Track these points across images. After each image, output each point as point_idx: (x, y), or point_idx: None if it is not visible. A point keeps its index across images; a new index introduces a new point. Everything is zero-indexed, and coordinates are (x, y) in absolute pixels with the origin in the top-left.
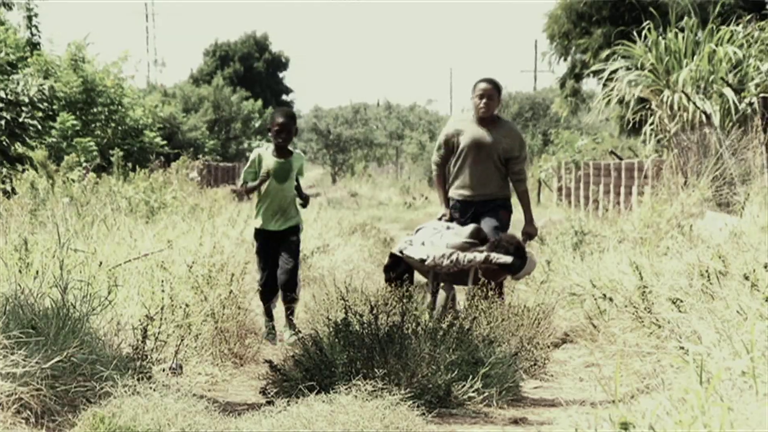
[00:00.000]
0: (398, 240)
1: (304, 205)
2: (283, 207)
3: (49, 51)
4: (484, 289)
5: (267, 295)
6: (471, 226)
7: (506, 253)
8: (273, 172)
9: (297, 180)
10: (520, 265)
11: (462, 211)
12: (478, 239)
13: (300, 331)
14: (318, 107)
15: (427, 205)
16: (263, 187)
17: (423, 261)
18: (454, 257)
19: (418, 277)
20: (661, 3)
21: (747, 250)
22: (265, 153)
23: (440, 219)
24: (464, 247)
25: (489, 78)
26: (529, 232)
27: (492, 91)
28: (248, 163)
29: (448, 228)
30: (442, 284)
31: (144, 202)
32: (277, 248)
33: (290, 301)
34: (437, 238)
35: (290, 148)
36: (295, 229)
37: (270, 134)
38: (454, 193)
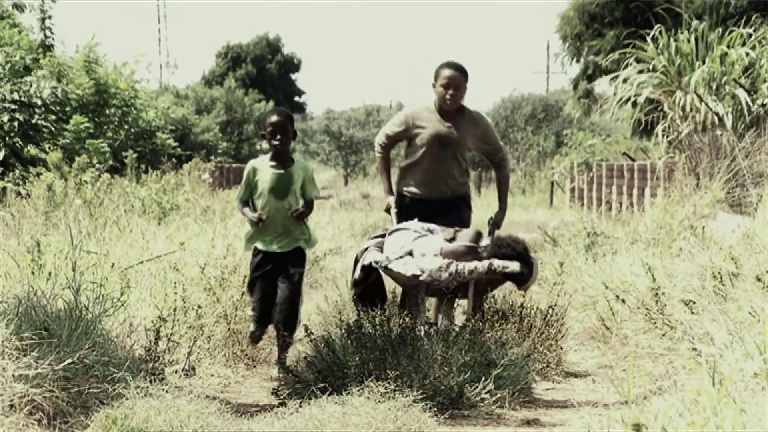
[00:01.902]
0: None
1: (304, 213)
2: (286, 226)
3: (62, 53)
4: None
5: (258, 333)
6: (472, 230)
7: (510, 258)
8: (270, 186)
9: (306, 194)
10: (528, 273)
11: (413, 211)
12: (478, 244)
13: (291, 370)
14: (330, 109)
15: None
16: (259, 203)
17: (416, 276)
18: (453, 269)
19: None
20: (673, 4)
21: (759, 252)
22: (260, 165)
23: (387, 210)
24: (462, 254)
25: (455, 63)
26: (498, 221)
27: (460, 79)
28: (243, 180)
29: (430, 230)
30: (420, 297)
31: (156, 203)
32: (276, 273)
33: (284, 345)
34: (424, 245)
35: (294, 157)
36: (300, 255)
37: (265, 139)
38: (405, 189)
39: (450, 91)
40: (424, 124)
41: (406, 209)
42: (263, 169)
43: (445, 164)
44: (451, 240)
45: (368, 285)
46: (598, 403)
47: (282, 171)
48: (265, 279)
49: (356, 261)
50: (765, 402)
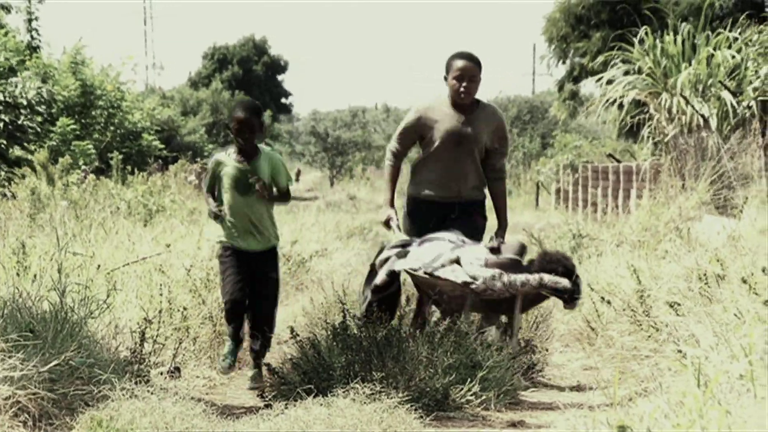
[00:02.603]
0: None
1: (273, 197)
2: (255, 224)
3: (48, 55)
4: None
5: (233, 315)
6: (516, 243)
7: (557, 273)
8: (233, 181)
9: (278, 185)
10: (576, 291)
11: (425, 215)
12: (522, 257)
13: (265, 385)
14: (316, 110)
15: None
16: (226, 199)
17: (468, 284)
18: (506, 279)
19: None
20: (659, 6)
21: (745, 254)
22: (225, 158)
23: (386, 223)
24: (507, 266)
25: (467, 53)
26: (500, 238)
27: (474, 70)
28: (208, 172)
29: (463, 241)
30: (457, 313)
31: (142, 205)
32: (250, 271)
33: (259, 353)
34: (469, 254)
35: (262, 146)
36: (273, 256)
37: (229, 131)
38: (418, 191)
39: (464, 83)
40: (437, 119)
41: (417, 212)
42: (227, 162)
43: (460, 163)
44: (495, 251)
45: (388, 294)
46: (584, 404)
47: (245, 165)
48: (239, 280)
49: (371, 269)
50: (750, 404)
